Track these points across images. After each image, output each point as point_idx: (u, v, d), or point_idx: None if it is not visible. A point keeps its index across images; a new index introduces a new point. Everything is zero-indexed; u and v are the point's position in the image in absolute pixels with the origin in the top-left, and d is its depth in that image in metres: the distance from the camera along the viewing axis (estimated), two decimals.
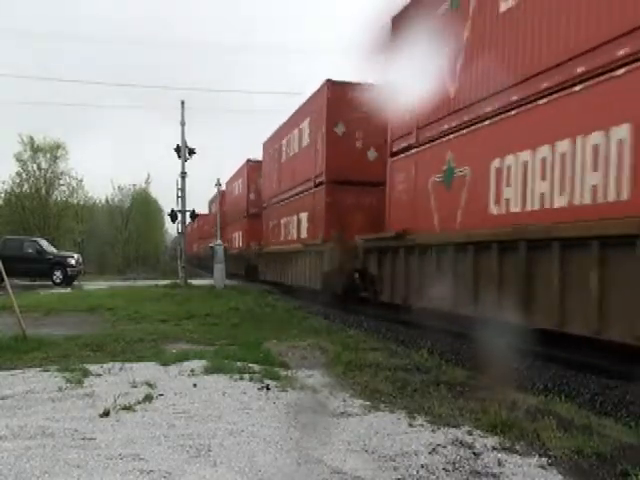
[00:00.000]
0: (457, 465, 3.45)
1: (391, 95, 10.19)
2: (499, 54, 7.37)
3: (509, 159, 7.01)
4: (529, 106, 6.72)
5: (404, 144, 10.03)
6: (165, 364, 6.21)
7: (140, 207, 48.39)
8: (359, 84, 13.53)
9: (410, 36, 9.45)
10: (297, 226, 17.00)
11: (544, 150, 6.37)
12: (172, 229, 43.35)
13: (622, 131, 5.30)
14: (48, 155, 40.67)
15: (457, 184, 8.18)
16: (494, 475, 3.31)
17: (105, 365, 6.11)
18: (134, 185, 48.15)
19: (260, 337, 8.39)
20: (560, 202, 6.12)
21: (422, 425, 4.22)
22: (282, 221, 19.06)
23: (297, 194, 17.05)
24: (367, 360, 6.61)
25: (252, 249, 24.19)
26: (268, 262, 21.20)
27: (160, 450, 3.62)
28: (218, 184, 26.48)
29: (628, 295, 5.15)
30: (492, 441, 3.85)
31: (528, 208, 6.65)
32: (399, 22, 10.27)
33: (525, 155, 6.71)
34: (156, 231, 54.12)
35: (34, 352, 7.05)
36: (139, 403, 4.64)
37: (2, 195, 40.74)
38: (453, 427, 4.15)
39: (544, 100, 6.46)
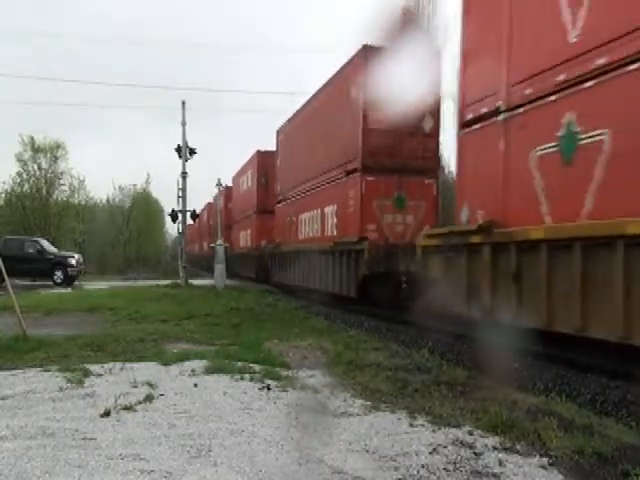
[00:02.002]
0: (458, 465, 3.45)
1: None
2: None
3: None
4: None
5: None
6: (166, 364, 6.22)
7: (141, 207, 48.43)
8: None
9: None
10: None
11: None
12: (172, 229, 43.74)
13: None
14: (48, 155, 40.73)
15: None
16: (495, 475, 3.31)
17: (106, 365, 6.11)
18: (134, 185, 48.26)
19: (261, 337, 8.39)
20: None
21: (423, 425, 4.22)
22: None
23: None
24: (368, 360, 6.61)
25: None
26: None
27: (161, 450, 3.62)
28: (219, 184, 26.42)
29: None
30: (493, 441, 3.85)
31: None
32: None
33: None
34: (157, 231, 54.15)
35: (35, 352, 7.05)
36: (140, 403, 4.64)
37: (3, 195, 40.81)
38: (454, 427, 4.15)
39: None
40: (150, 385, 5.23)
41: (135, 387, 5.16)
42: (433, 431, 4.08)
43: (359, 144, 12.19)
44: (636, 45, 5.41)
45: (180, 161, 22.74)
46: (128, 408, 4.50)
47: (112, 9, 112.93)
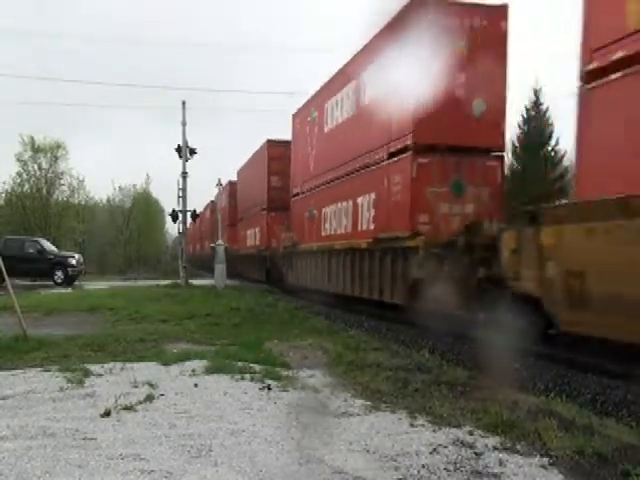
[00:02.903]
0: (458, 465, 3.45)
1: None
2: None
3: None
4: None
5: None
6: (166, 364, 6.22)
7: (141, 207, 48.43)
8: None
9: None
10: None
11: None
12: (172, 229, 43.89)
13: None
14: (49, 155, 40.75)
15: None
16: (495, 475, 3.31)
17: (106, 365, 6.11)
18: (134, 185, 48.29)
19: (261, 337, 8.39)
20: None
21: (423, 425, 4.22)
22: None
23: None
24: (368, 360, 6.61)
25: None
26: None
27: (161, 450, 3.62)
28: (219, 184, 26.49)
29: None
30: (493, 441, 3.85)
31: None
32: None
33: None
34: (157, 231, 54.17)
35: (35, 352, 7.05)
36: (140, 403, 4.64)
37: (3, 195, 40.85)
38: (454, 427, 4.15)
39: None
40: (150, 385, 5.23)
41: (135, 387, 5.16)
42: (434, 431, 4.07)
43: (265, 196, 22.21)
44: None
45: (180, 161, 22.76)
46: (128, 408, 4.50)
47: (112, 9, 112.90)
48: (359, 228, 12.05)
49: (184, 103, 23.16)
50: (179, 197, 23.02)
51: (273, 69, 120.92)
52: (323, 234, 14.60)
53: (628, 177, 5.62)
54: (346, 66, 13.09)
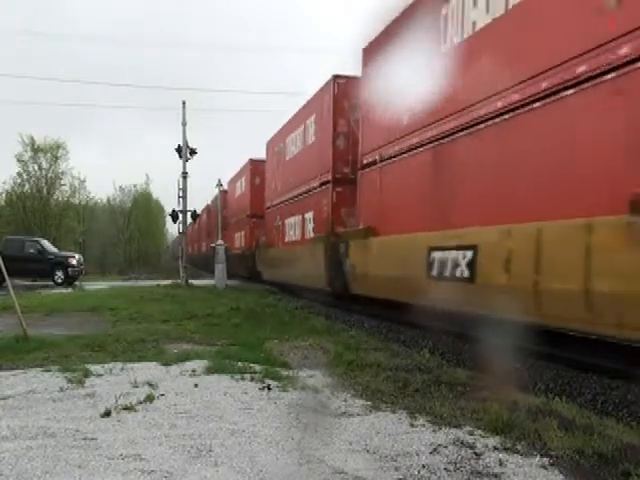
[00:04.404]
0: (458, 465, 3.45)
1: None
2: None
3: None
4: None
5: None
6: (166, 364, 6.21)
7: (141, 207, 48.48)
8: None
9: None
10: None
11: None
12: (172, 229, 43.93)
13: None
14: (49, 155, 40.78)
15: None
16: (495, 475, 3.31)
17: (106, 365, 6.11)
18: (134, 185, 48.33)
19: (261, 337, 8.39)
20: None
21: (423, 425, 4.22)
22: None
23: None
24: (368, 360, 6.61)
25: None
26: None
27: (161, 450, 3.62)
28: (219, 184, 26.53)
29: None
30: (493, 441, 3.85)
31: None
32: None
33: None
34: (157, 231, 54.20)
35: (35, 352, 7.05)
36: (140, 403, 4.64)
37: (3, 195, 40.89)
38: (454, 427, 4.15)
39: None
40: (151, 385, 5.23)
41: (136, 387, 5.16)
42: (434, 431, 4.07)
43: (220, 222, 26.84)
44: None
45: (180, 161, 22.77)
46: (129, 408, 4.50)
47: (112, 9, 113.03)
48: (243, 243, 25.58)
49: (184, 103, 23.21)
50: (179, 197, 23.05)
51: (272, 69, 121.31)
52: (236, 245, 27.32)
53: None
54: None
